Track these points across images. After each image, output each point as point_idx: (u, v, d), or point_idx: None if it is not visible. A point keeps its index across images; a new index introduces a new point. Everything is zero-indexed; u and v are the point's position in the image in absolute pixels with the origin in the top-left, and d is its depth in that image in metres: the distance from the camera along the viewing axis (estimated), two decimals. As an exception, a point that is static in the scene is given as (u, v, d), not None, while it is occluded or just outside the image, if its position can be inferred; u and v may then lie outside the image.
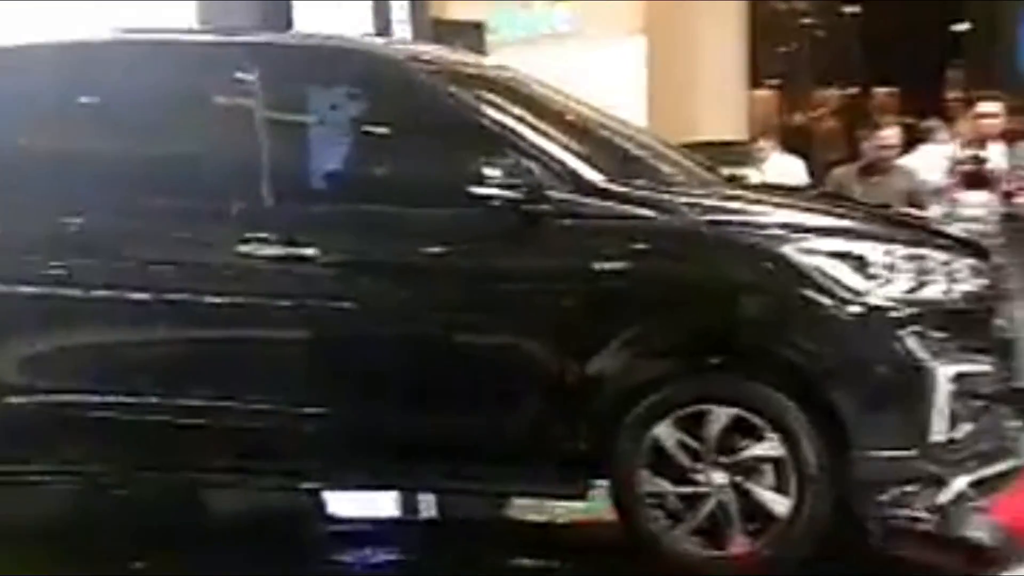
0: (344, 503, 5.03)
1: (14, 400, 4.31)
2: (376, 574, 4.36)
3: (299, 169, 4.30)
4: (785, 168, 8.32)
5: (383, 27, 7.32)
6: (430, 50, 4.86)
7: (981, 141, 6.61)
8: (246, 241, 4.12)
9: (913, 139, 9.28)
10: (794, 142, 10.99)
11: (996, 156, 6.65)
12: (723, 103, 11.29)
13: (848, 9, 16.88)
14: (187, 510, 4.97)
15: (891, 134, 6.79)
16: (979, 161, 6.47)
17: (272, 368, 4.18)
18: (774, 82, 16.00)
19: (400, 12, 7.45)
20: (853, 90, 16.70)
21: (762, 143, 8.81)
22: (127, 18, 5.56)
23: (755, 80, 12.93)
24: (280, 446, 4.20)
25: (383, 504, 4.99)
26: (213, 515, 5.04)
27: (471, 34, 8.37)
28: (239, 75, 4.27)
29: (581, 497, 4.11)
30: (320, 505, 4.98)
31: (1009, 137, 6.80)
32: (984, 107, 6.72)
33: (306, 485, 4.47)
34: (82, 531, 4.75)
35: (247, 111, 4.24)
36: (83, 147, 4.41)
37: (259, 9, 6.77)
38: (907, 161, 8.35)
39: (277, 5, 6.97)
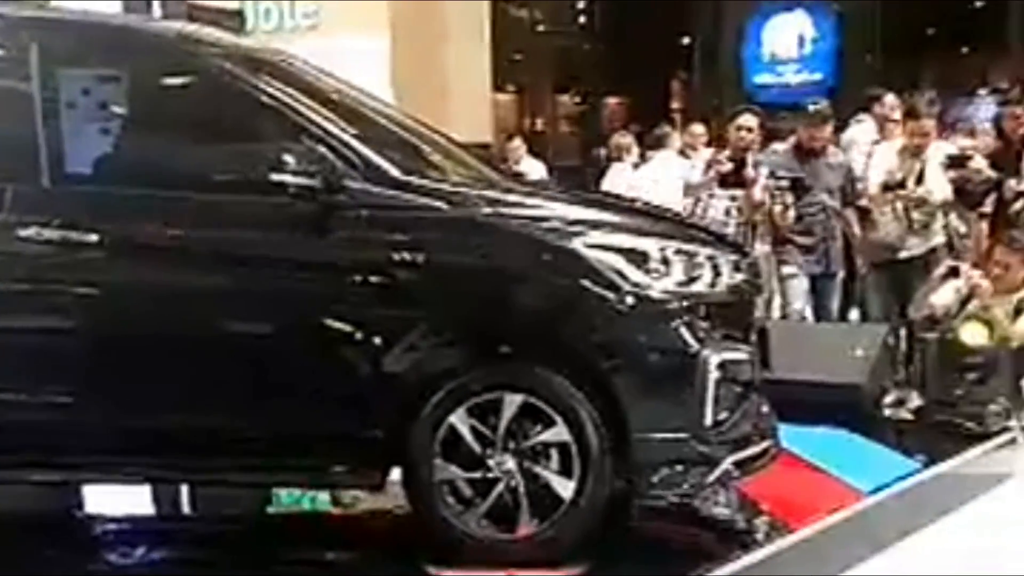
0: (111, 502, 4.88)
1: None
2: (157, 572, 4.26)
3: (78, 152, 4.13)
4: (531, 170, 8.64)
5: (143, 11, 7.08)
6: (211, 32, 4.78)
7: (742, 150, 7.11)
8: (26, 225, 3.94)
9: (645, 146, 9.89)
10: (533, 147, 11.42)
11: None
12: (470, 105, 11.52)
13: (582, 20, 17.64)
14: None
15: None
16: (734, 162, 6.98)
17: (46, 358, 4.03)
18: (513, 88, 16.54)
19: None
20: (578, 98, 17.51)
21: (516, 143, 9.11)
22: None
23: (495, 85, 13.32)
24: (58, 440, 4.04)
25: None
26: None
27: (230, 22, 8.19)
28: (12, 51, 4.09)
29: (379, 487, 4.15)
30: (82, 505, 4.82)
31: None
32: (744, 120, 7.22)
33: (87, 477, 4.35)
34: None
35: (20, 89, 4.06)
36: None
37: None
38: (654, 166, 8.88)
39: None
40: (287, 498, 4.84)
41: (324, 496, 4.78)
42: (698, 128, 10.15)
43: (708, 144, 9.45)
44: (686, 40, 16.33)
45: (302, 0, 12.77)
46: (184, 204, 4.05)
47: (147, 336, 4.06)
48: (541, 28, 17.26)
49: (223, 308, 4.08)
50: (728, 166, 6.97)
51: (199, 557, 4.32)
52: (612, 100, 17.06)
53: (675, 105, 16.49)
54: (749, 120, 7.17)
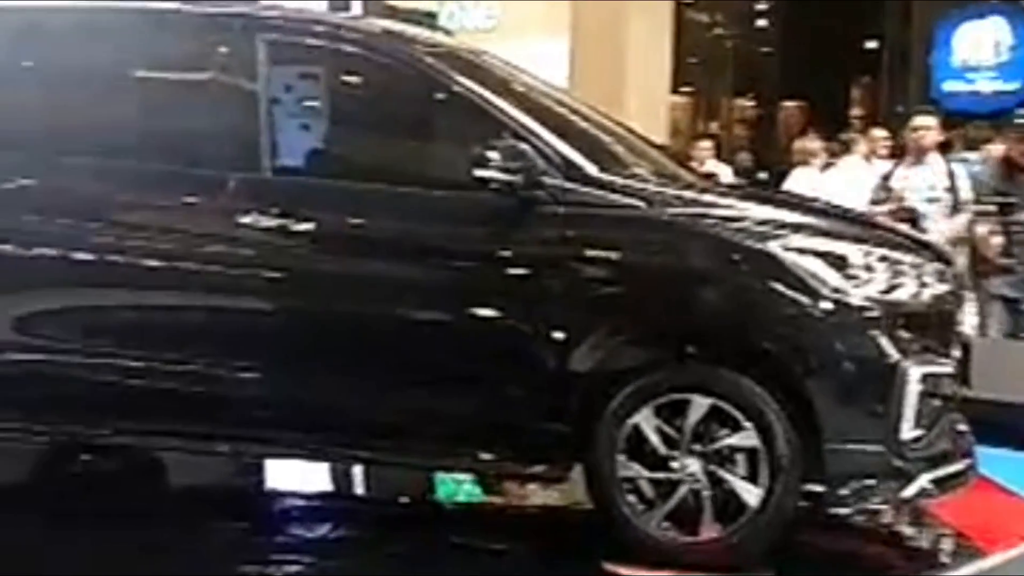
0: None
1: (9, 357, 4.30)
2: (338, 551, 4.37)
3: (298, 144, 4.30)
4: (718, 173, 8.54)
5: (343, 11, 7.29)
6: (414, 30, 4.89)
7: (918, 153, 6.89)
8: (246, 212, 4.11)
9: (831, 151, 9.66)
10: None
11: (934, 167, 6.96)
12: (647, 107, 11.47)
13: (761, 23, 17.34)
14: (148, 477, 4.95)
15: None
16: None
17: (252, 337, 4.19)
18: (688, 90, 16.39)
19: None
20: (755, 101, 17.22)
21: (704, 144, 9.02)
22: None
23: (672, 87, 13.21)
24: (249, 415, 4.20)
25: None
26: (170, 484, 5.03)
27: (424, 24, 8.36)
28: (238, 48, 4.27)
29: (561, 479, 4.18)
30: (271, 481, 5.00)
31: (943, 149, 7.15)
32: (920, 120, 7.00)
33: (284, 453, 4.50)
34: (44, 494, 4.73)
35: (244, 85, 4.25)
36: (86, 113, 4.39)
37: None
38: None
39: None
40: (445, 486, 4.92)
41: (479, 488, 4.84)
42: (879, 132, 9.87)
43: (892, 151, 9.17)
44: (871, 44, 15.86)
45: (486, 2, 12.98)
46: (389, 197, 4.16)
47: (350, 322, 4.18)
48: (719, 31, 17.05)
49: (420, 299, 4.17)
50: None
51: (378, 538, 4.41)
52: (790, 104, 16.72)
53: (856, 111, 16.06)
54: (927, 121, 6.93)
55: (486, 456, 4.15)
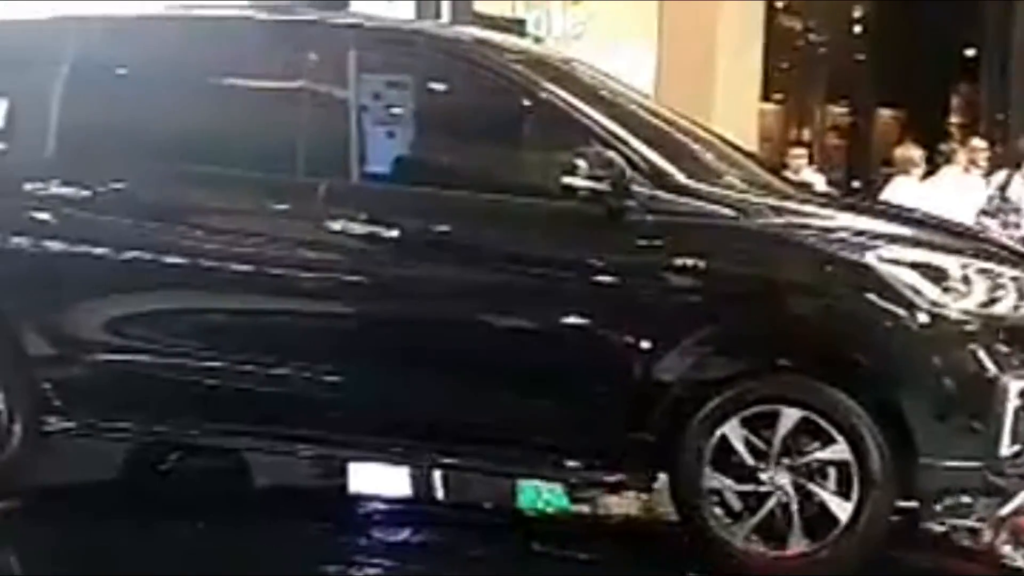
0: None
1: (103, 358, 4.40)
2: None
3: (387, 152, 4.35)
4: (812, 182, 8.44)
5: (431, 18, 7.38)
6: (503, 37, 4.92)
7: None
8: (335, 218, 4.17)
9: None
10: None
11: None
12: (736, 114, 11.35)
13: (856, 29, 17.06)
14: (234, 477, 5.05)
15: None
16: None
17: (335, 341, 4.24)
18: (779, 97, 16.19)
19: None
20: (848, 109, 16.96)
21: (798, 151, 8.92)
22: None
23: (762, 94, 13.06)
24: (328, 418, 4.25)
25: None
26: (254, 485, 5.13)
27: (512, 32, 8.42)
28: (330, 56, 4.34)
29: (647, 489, 4.17)
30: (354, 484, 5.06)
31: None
32: None
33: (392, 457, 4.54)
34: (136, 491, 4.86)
35: (336, 93, 4.32)
36: (179, 119, 4.47)
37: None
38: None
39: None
40: (527, 493, 4.91)
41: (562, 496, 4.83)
42: (979, 143, 9.67)
43: (990, 161, 8.98)
44: (969, 51, 15.51)
45: (573, 7, 12.98)
46: (476, 204, 4.19)
47: (435, 329, 4.21)
48: (812, 37, 16.82)
49: (506, 306, 4.18)
50: None
51: (462, 545, 4.43)
52: (885, 112, 16.43)
53: (955, 119, 15.72)
54: None
55: (570, 464, 4.14)
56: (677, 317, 4.00)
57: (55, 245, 4.42)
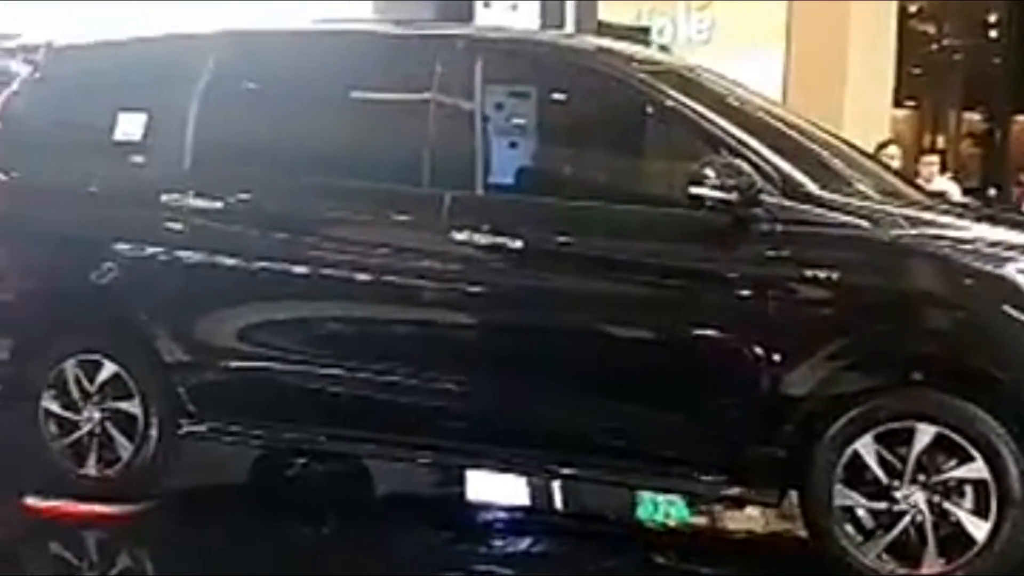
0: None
1: (233, 364, 4.56)
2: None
3: (511, 163, 4.40)
4: (945, 190, 8.22)
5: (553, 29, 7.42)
6: (628, 47, 4.93)
7: None
8: (459, 229, 4.23)
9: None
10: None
11: None
12: (867, 120, 11.13)
13: (992, 33, 16.59)
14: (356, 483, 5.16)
15: None
16: None
17: (456, 350, 4.30)
18: (911, 103, 15.83)
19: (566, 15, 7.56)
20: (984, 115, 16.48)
21: (930, 158, 8.72)
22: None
23: (894, 100, 12.78)
24: (469, 429, 4.31)
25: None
26: (375, 491, 5.22)
27: (637, 39, 8.40)
28: (456, 68, 4.39)
29: (775, 505, 4.12)
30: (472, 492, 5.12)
31: None
32: None
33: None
34: (263, 495, 5.00)
35: (461, 104, 4.37)
36: (306, 132, 4.60)
37: (437, 9, 6.91)
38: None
39: (458, 6, 7.10)
40: (646, 504, 4.90)
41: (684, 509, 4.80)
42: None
43: None
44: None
45: (699, 13, 12.89)
46: (601, 215, 4.20)
47: (559, 340, 4.23)
48: (946, 42, 16.39)
49: (631, 317, 4.18)
50: None
51: (581, 556, 4.44)
52: (1022, 119, 15.92)
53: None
54: None
55: (696, 477, 4.12)
56: (808, 330, 3.95)
57: (189, 255, 4.58)
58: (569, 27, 7.69)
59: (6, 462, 4.88)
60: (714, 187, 3.94)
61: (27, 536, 4.48)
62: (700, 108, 4.20)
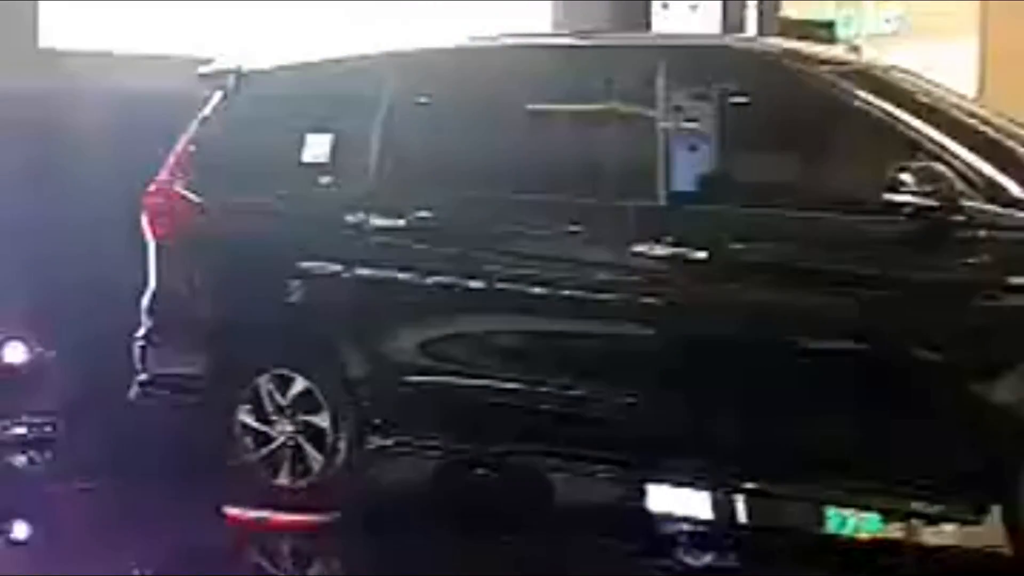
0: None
1: (415, 379, 4.68)
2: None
3: (692, 171, 4.39)
4: None
5: (735, 28, 7.35)
6: (815, 48, 4.85)
7: None
8: (641, 240, 4.24)
9: None
10: None
11: None
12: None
13: None
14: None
15: None
16: None
17: (659, 366, 4.29)
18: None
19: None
20: None
21: None
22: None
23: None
24: (645, 441, 4.32)
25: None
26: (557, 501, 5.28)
27: (820, 35, 8.23)
28: (638, 77, 4.41)
29: (976, 522, 3.99)
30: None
31: None
32: None
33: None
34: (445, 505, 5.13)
35: (642, 119, 4.38)
36: (486, 148, 4.71)
37: (615, 10, 6.93)
38: None
39: (633, 6, 7.12)
40: (835, 518, 4.79)
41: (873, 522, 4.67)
42: None
43: None
44: None
45: (885, 5, 12.52)
46: (789, 223, 4.13)
47: (746, 352, 4.18)
48: None
49: (820, 329, 4.10)
50: None
51: (769, 572, 4.37)
52: None
53: None
54: None
55: (896, 493, 4.02)
56: (1011, 338, 3.80)
57: (373, 272, 4.73)
58: (751, 25, 7.59)
59: (205, 473, 5.12)
60: (912, 193, 3.84)
61: (227, 543, 4.68)
62: (894, 110, 4.09)
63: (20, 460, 5.80)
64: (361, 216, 4.76)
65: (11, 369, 6.12)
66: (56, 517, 5.06)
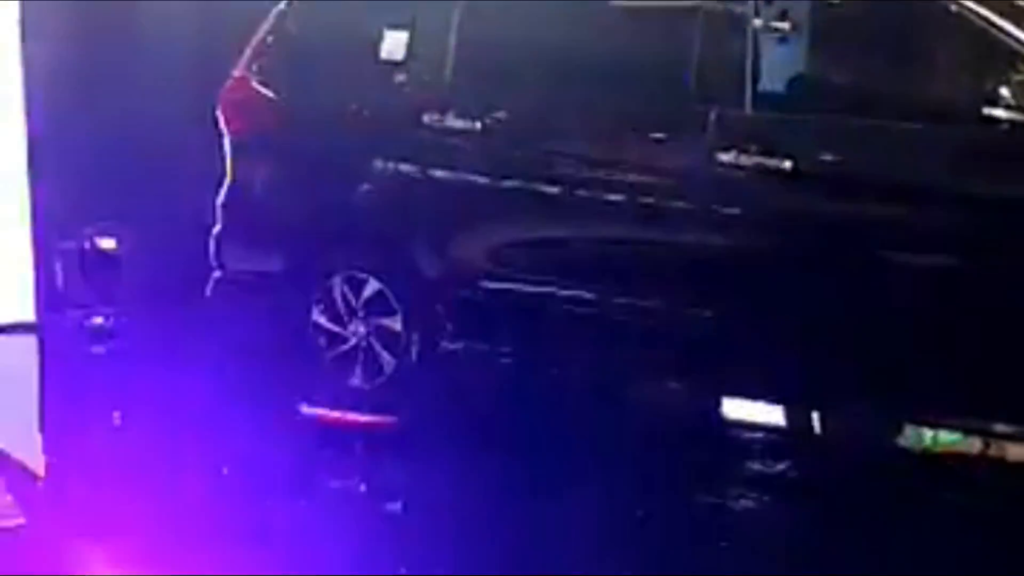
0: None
1: (488, 285, 4.70)
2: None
3: (781, 75, 4.27)
4: None
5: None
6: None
7: None
8: (726, 149, 4.16)
9: None
10: None
11: None
12: None
13: None
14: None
15: None
16: None
17: (737, 279, 4.25)
18: None
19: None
20: None
21: None
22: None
23: None
24: (703, 353, 4.31)
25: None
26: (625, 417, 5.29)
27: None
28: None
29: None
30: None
31: None
32: None
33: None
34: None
35: (731, 16, 4.27)
36: (565, 48, 4.58)
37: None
38: None
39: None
40: (913, 433, 4.71)
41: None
42: None
43: None
44: None
45: None
46: (882, 134, 4.03)
47: (828, 266, 4.11)
48: None
49: (910, 246, 4.02)
50: None
51: (843, 482, 4.31)
52: None
53: None
54: None
55: (984, 414, 4.02)
56: None
57: (447, 175, 4.71)
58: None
59: (280, 372, 5.21)
60: (1012, 108, 3.72)
61: (301, 440, 4.76)
62: (996, 18, 3.93)
63: (98, 349, 5.94)
64: (436, 117, 4.72)
65: (105, 256, 6.22)
66: (130, 409, 5.19)
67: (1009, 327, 3.86)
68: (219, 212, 5.31)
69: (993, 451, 4.55)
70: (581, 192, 4.46)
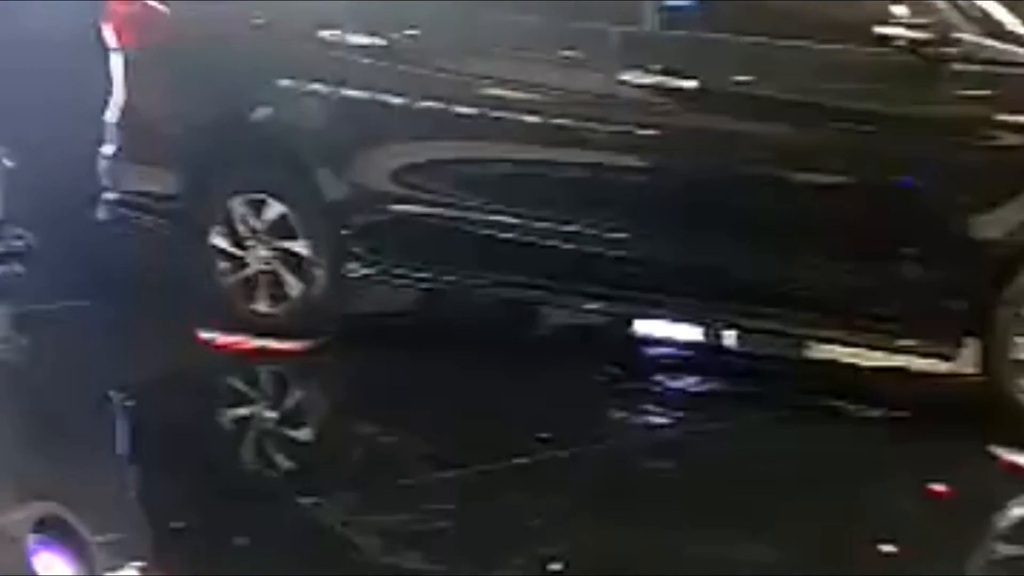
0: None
1: (395, 207, 4.70)
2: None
3: None
4: None
5: None
6: None
7: None
8: (628, 68, 4.22)
9: None
10: None
11: None
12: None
13: None
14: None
15: None
16: None
17: (632, 198, 4.34)
18: None
19: None
20: None
21: None
22: None
23: None
24: (618, 275, 4.39)
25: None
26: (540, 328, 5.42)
27: None
28: None
29: (950, 357, 4.14)
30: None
31: None
32: None
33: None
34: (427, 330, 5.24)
35: None
36: None
37: None
38: None
39: None
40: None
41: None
42: None
43: None
44: None
45: None
46: (779, 53, 4.12)
47: (731, 184, 4.23)
48: None
49: (809, 162, 4.15)
50: None
51: (748, 393, 4.53)
52: None
53: None
54: None
55: (875, 328, 4.14)
56: (1003, 175, 3.88)
57: (351, 93, 4.66)
58: None
59: (179, 296, 5.18)
60: (904, 26, 3.83)
61: (201, 367, 4.78)
62: None
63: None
64: (338, 33, 4.70)
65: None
66: (32, 337, 5.16)
67: (925, 242, 4.01)
68: (110, 131, 5.23)
69: (892, 364, 4.77)
70: (490, 112, 4.47)
